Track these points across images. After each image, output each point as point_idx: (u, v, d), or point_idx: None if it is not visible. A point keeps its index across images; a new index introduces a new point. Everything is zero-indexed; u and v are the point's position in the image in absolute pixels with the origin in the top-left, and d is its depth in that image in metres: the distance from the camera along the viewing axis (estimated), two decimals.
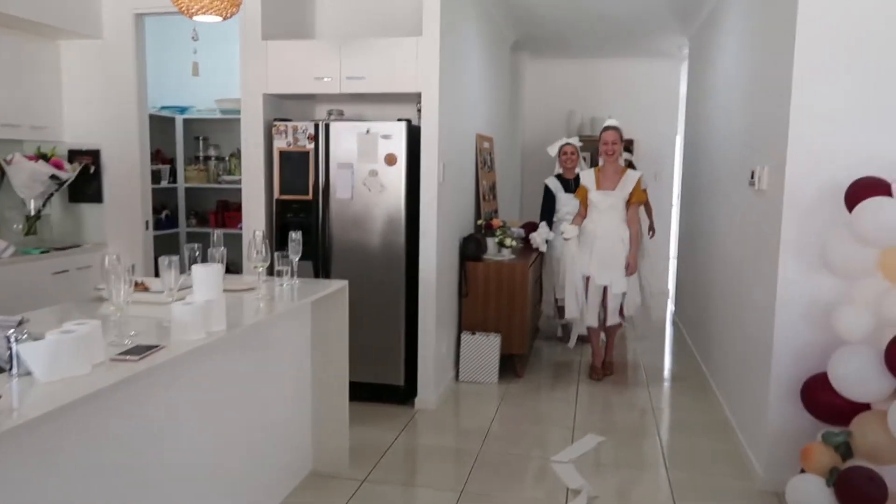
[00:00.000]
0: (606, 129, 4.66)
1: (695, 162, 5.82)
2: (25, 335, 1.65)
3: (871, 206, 2.58)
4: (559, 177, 5.35)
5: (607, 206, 4.54)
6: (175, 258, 2.14)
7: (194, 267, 2.12)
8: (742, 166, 3.80)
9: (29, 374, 1.62)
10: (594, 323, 4.67)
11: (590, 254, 4.55)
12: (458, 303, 4.58)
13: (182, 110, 5.43)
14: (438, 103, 3.85)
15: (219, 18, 2.66)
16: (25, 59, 4.03)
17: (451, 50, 4.13)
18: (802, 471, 2.76)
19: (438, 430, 3.79)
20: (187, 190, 5.43)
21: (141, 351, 1.85)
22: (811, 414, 2.84)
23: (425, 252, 3.94)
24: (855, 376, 2.63)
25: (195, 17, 2.64)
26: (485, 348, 4.47)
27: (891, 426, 2.48)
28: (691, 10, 5.51)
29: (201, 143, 5.48)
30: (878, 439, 2.55)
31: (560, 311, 5.24)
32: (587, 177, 4.66)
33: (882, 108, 2.79)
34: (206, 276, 2.07)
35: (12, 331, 1.62)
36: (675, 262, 7.02)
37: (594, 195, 4.57)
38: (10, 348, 1.62)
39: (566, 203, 5.18)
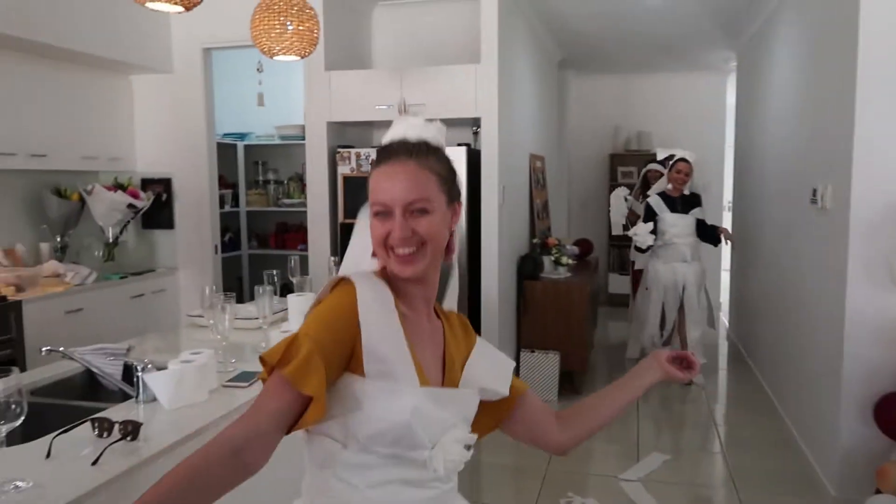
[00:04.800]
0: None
1: (747, 175, 5.81)
2: (150, 365, 1.78)
3: None
4: (662, 194, 4.92)
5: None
6: (269, 287, 2.26)
7: (290, 297, 2.25)
8: (801, 183, 3.80)
9: (154, 400, 1.75)
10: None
11: None
12: (516, 321, 4.65)
13: (242, 137, 5.63)
14: (498, 128, 3.96)
15: (297, 58, 2.81)
16: (101, 94, 4.26)
17: (507, 73, 4.24)
18: (878, 490, 2.76)
19: (501, 447, 3.85)
20: (248, 213, 5.62)
21: (248, 377, 1.97)
22: (885, 433, 2.83)
23: (487, 273, 4.04)
24: None
25: (276, 58, 2.79)
26: (544, 366, 4.53)
27: None
28: (739, 25, 5.52)
29: (261, 167, 5.67)
30: None
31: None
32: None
33: None
34: (301, 305, 2.20)
35: (142, 363, 1.75)
36: (729, 275, 6.98)
37: None
38: (136, 376, 1.76)
39: (673, 224, 4.85)
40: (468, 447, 1.17)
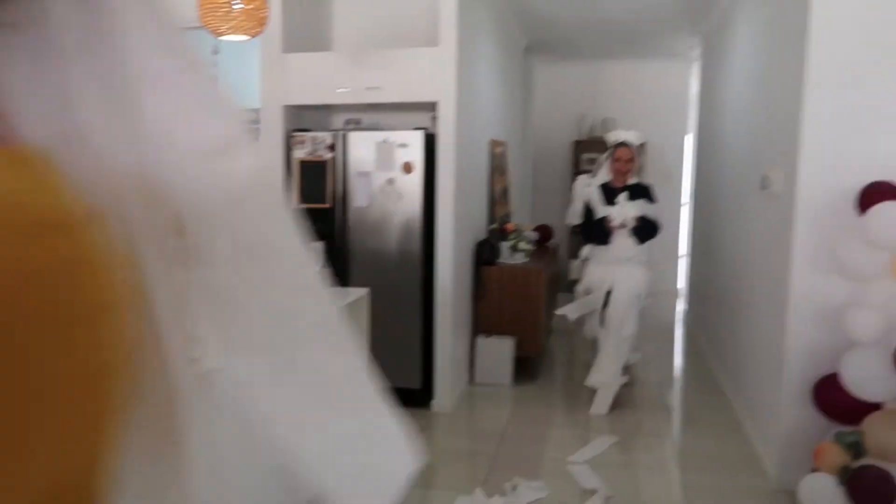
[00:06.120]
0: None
1: (707, 162, 5.89)
2: None
3: (884, 210, 2.65)
4: (606, 185, 4.19)
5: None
6: None
7: None
8: (754, 168, 3.87)
9: None
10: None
11: None
12: (472, 307, 4.66)
13: None
14: (455, 112, 3.94)
15: (246, 37, 2.76)
16: None
17: (467, 58, 4.22)
18: (815, 470, 2.83)
19: (455, 432, 3.88)
20: None
21: None
22: (823, 414, 2.91)
23: (441, 258, 4.03)
24: (866, 376, 2.71)
25: (224, 38, 2.74)
26: (499, 351, 4.55)
27: None
28: (703, 10, 5.57)
29: None
30: (890, 438, 2.62)
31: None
32: None
33: (894, 113, 2.85)
34: None
35: None
36: (686, 261, 7.08)
37: None
38: None
39: (611, 219, 4.11)
40: None
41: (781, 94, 3.33)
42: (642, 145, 4.39)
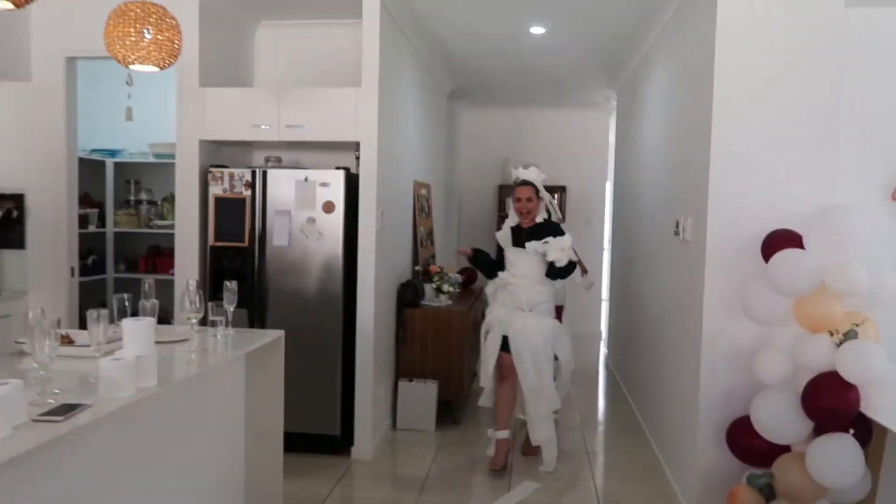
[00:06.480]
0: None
1: (624, 209, 6.06)
2: None
3: (785, 257, 2.75)
4: (515, 227, 3.99)
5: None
6: (104, 311, 2.07)
7: (125, 321, 2.06)
8: (667, 215, 3.98)
9: None
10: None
11: None
12: (395, 349, 4.57)
13: (113, 153, 5.29)
14: (377, 152, 3.91)
15: (156, 69, 2.65)
16: None
17: (390, 99, 4.21)
18: None
19: (375, 480, 3.73)
20: (117, 234, 5.26)
21: (65, 410, 1.78)
22: (736, 456, 2.95)
23: (363, 300, 3.94)
24: (775, 419, 2.76)
25: (131, 67, 2.62)
26: (422, 395, 4.46)
27: (808, 467, 2.61)
28: (618, 64, 5.80)
29: (133, 186, 5.34)
30: (798, 480, 2.67)
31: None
32: None
33: (795, 164, 2.99)
34: (137, 331, 2.02)
35: None
36: (608, 305, 7.22)
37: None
38: None
39: (512, 262, 3.90)
40: None
41: (690, 144, 3.46)
42: (563, 189, 4.37)
